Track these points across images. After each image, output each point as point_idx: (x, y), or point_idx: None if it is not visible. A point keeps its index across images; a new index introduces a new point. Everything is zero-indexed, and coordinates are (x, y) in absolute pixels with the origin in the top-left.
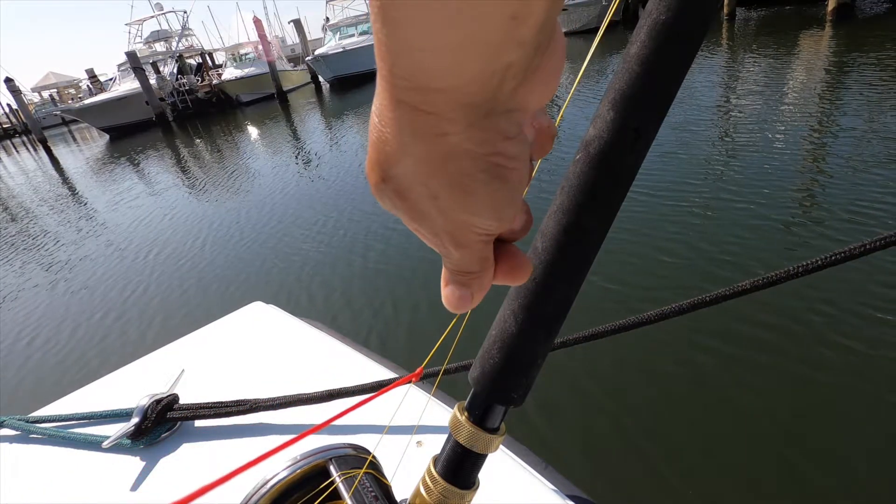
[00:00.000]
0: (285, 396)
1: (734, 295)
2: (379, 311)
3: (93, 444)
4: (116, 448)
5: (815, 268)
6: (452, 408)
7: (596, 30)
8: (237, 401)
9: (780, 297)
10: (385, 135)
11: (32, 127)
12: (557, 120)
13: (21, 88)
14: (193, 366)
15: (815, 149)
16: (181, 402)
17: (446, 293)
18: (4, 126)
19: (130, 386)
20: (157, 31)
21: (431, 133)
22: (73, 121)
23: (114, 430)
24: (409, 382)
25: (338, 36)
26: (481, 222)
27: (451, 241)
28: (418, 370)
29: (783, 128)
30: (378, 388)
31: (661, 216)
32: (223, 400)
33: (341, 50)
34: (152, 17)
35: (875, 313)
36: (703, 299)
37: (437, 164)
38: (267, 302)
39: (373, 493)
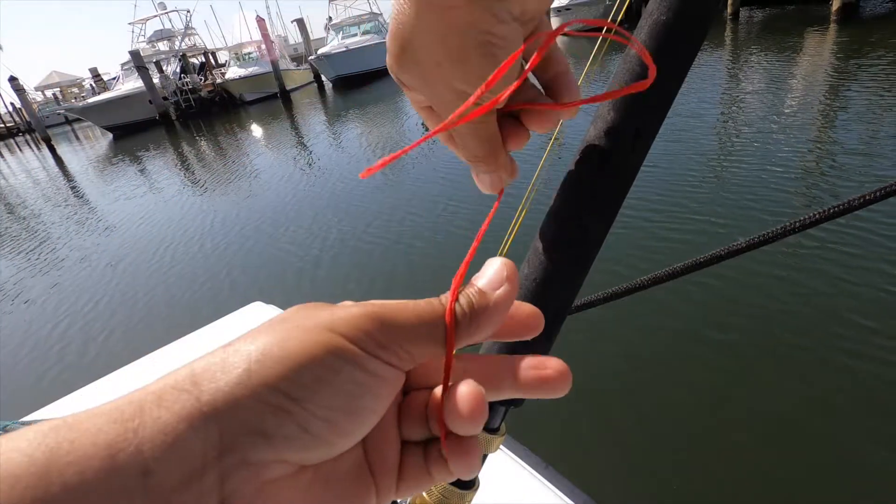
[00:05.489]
0: None
1: (731, 254)
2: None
3: None
4: None
5: (812, 222)
6: None
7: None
8: None
9: (783, 290)
10: (403, 7)
11: (36, 125)
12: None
13: (25, 87)
14: None
15: (817, 153)
16: None
17: (477, 183)
18: (8, 125)
19: (130, 386)
20: (161, 30)
21: (440, 5)
22: (77, 119)
23: None
24: None
25: (340, 35)
26: (473, 91)
27: (453, 110)
28: None
29: (784, 135)
30: None
31: (646, 224)
32: None
33: (344, 49)
34: (155, 16)
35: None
36: (697, 261)
37: (441, 35)
38: (267, 302)
39: None
